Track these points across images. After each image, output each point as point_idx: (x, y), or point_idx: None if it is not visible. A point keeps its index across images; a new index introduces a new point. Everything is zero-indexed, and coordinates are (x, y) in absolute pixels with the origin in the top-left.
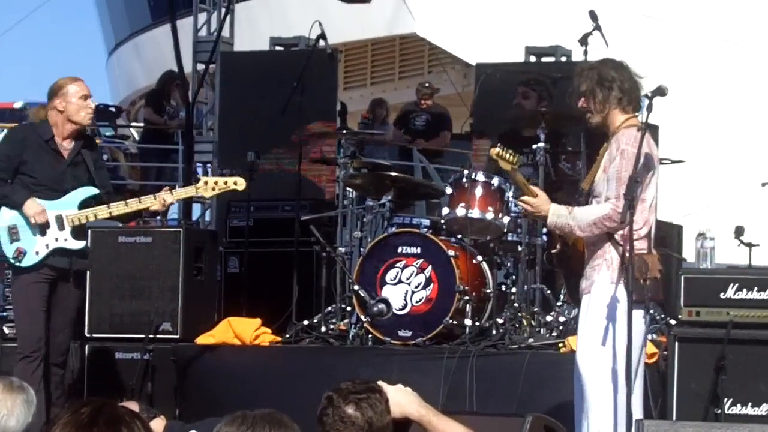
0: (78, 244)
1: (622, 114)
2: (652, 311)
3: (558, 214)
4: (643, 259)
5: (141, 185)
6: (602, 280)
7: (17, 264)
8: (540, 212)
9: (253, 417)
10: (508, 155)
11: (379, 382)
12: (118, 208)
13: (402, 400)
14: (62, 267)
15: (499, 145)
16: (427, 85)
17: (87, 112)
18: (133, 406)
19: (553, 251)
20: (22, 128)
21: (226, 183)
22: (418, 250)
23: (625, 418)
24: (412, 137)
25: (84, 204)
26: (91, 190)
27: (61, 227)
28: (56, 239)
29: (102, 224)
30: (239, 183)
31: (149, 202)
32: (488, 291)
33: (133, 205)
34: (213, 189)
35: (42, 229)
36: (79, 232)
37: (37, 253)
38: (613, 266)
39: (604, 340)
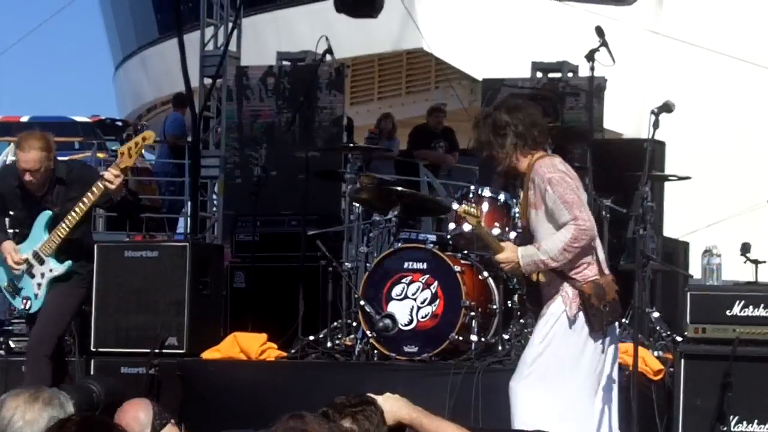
0: (62, 268)
1: (523, 157)
2: (659, 328)
3: (528, 255)
4: (598, 285)
5: (150, 198)
6: (556, 311)
7: (30, 312)
8: (512, 261)
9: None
10: (472, 210)
11: (369, 394)
12: (70, 218)
13: (393, 407)
14: None
15: (464, 202)
16: (441, 108)
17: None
18: (146, 405)
19: (522, 293)
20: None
21: (137, 143)
22: (425, 265)
23: None
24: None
25: (50, 227)
26: (45, 214)
27: (41, 261)
28: (43, 274)
29: (108, 239)
30: (148, 136)
31: (97, 191)
32: (494, 307)
33: (83, 205)
34: (131, 156)
35: (29, 271)
36: (58, 255)
37: (36, 296)
38: (569, 299)
39: (553, 371)
